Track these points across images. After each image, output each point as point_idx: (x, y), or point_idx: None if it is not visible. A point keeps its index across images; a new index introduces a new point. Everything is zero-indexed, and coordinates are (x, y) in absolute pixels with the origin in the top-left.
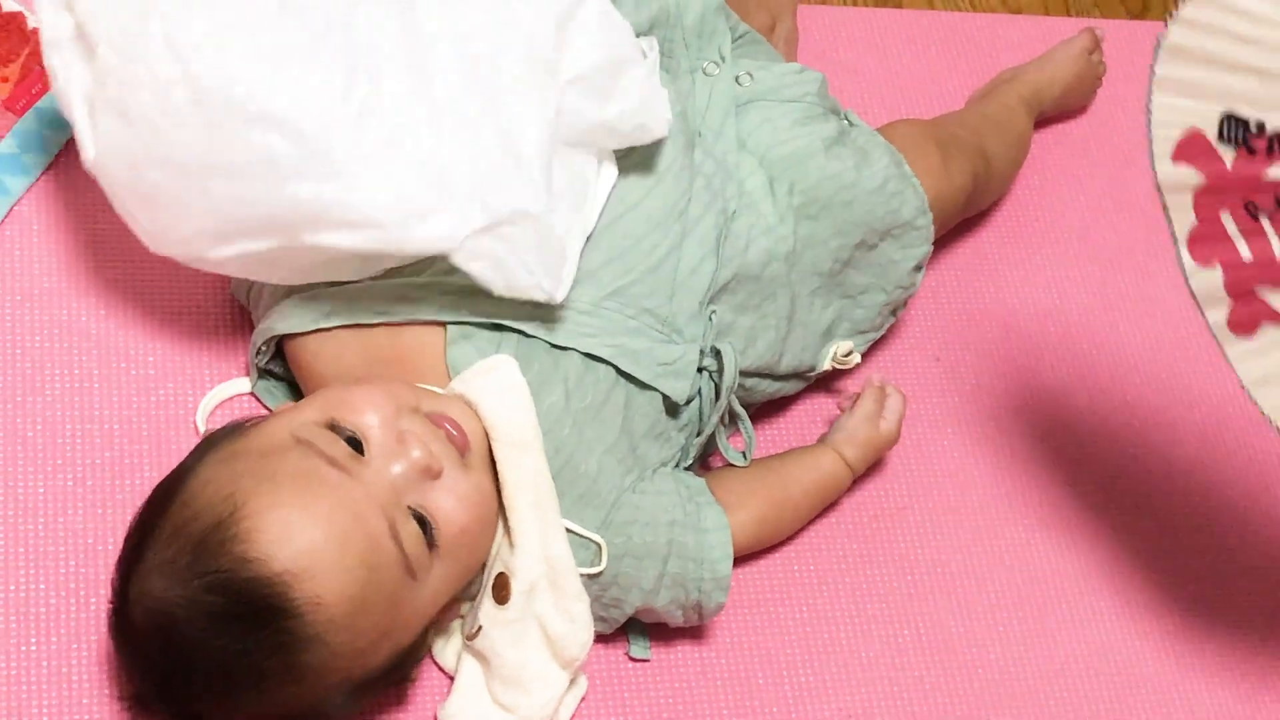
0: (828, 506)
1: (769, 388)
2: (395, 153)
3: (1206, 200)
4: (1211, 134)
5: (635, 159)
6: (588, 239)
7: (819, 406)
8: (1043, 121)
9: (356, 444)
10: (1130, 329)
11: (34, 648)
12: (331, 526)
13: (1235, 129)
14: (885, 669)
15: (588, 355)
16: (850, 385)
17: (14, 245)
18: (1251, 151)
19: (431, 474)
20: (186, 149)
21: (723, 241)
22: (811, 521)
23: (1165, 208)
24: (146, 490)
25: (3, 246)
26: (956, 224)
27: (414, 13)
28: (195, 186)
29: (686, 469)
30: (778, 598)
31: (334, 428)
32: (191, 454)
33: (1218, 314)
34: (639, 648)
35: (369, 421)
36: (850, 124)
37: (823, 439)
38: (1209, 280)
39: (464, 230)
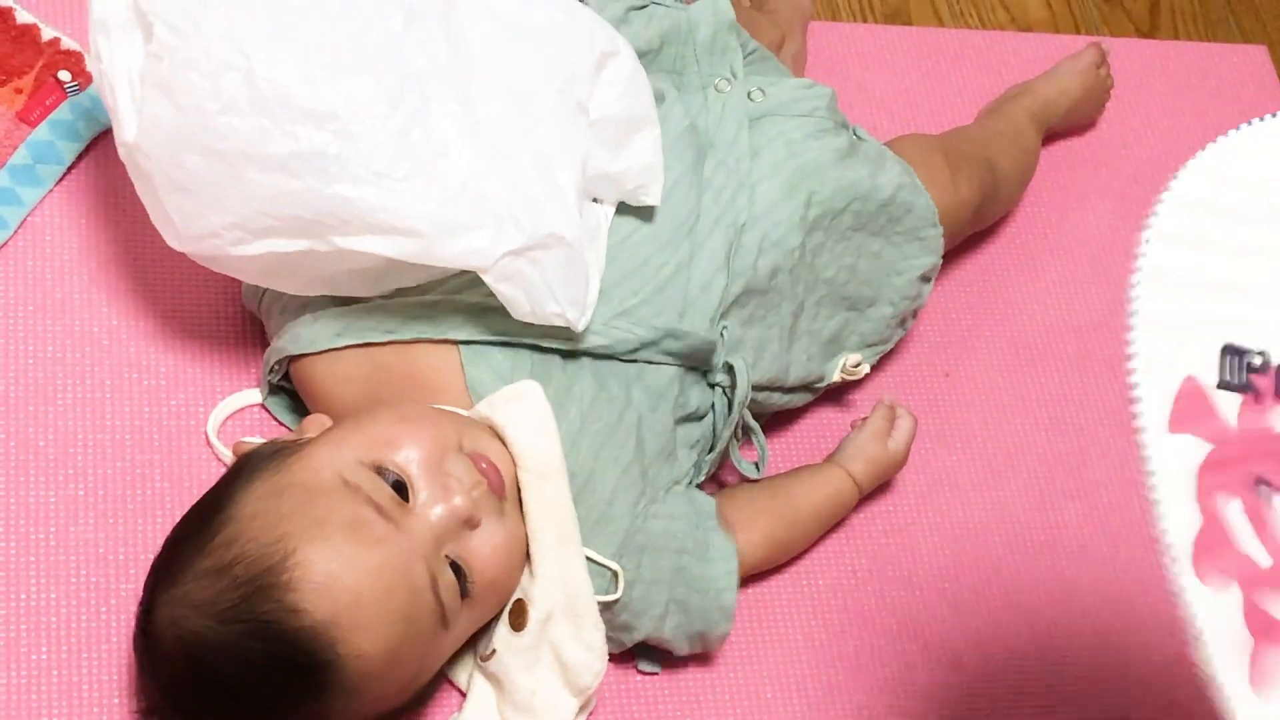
0: (835, 523)
1: (779, 400)
2: (438, 166)
3: (1210, 482)
4: (1210, 380)
5: None
6: None
7: (829, 419)
8: (1051, 137)
9: (401, 486)
10: None
11: (45, 657)
12: (379, 581)
13: (1236, 366)
14: (893, 684)
15: (598, 372)
16: (860, 401)
17: (27, 256)
18: (1257, 395)
19: (472, 525)
20: (231, 136)
21: (733, 255)
22: (819, 538)
23: (1158, 509)
24: (158, 500)
25: (16, 257)
26: (965, 239)
27: (463, 39)
28: (234, 175)
29: (699, 486)
30: (786, 612)
31: (379, 470)
32: (231, 476)
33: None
34: (647, 663)
35: (414, 467)
36: (859, 139)
37: (830, 457)
38: (1222, 608)
39: (501, 249)
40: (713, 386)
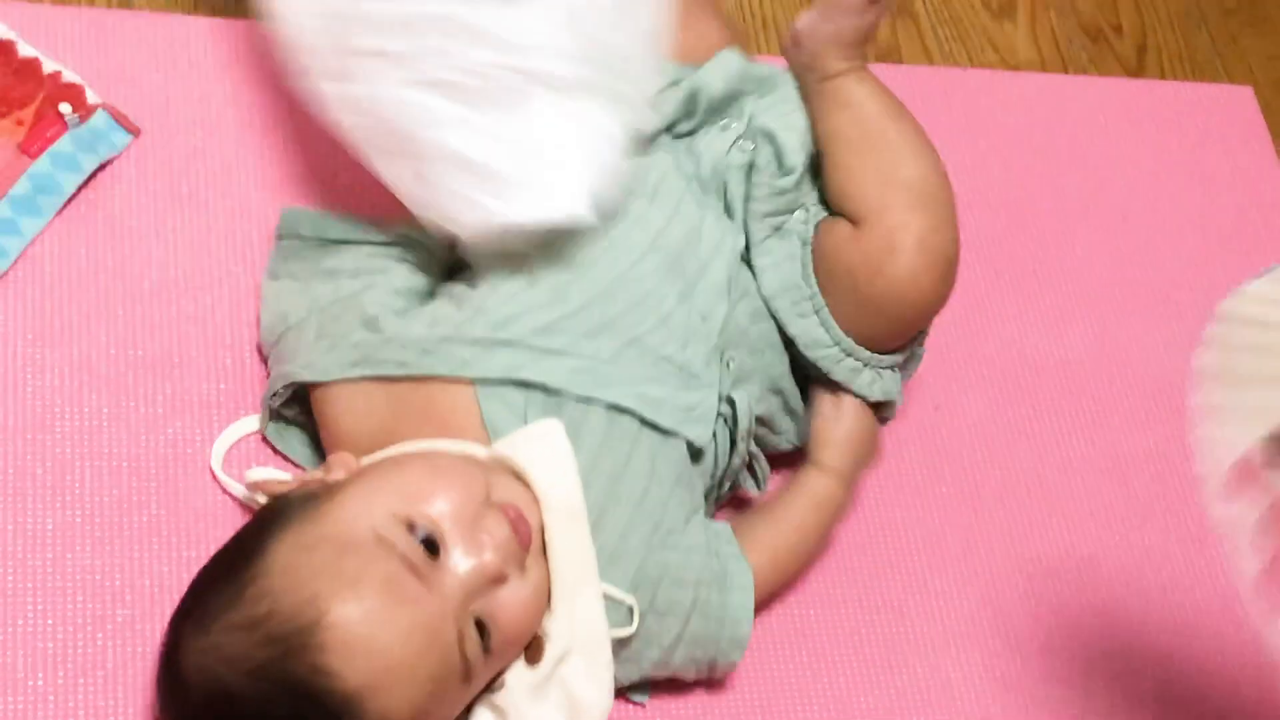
0: (836, 522)
1: (777, 440)
2: None
3: (1269, 536)
4: (1259, 460)
5: (643, 202)
6: (602, 291)
7: None
8: (1041, 180)
9: (432, 541)
10: (1127, 382)
11: (40, 683)
12: (411, 644)
13: None
14: (883, 715)
15: (611, 407)
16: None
17: (26, 285)
18: None
19: (500, 581)
20: None
21: (733, 284)
22: (815, 564)
23: (1230, 552)
24: (154, 527)
25: (15, 286)
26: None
27: None
28: None
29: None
30: (778, 643)
31: (412, 526)
32: (263, 520)
33: None
34: (638, 693)
35: (446, 522)
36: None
37: (811, 467)
38: None
39: None
40: (717, 417)
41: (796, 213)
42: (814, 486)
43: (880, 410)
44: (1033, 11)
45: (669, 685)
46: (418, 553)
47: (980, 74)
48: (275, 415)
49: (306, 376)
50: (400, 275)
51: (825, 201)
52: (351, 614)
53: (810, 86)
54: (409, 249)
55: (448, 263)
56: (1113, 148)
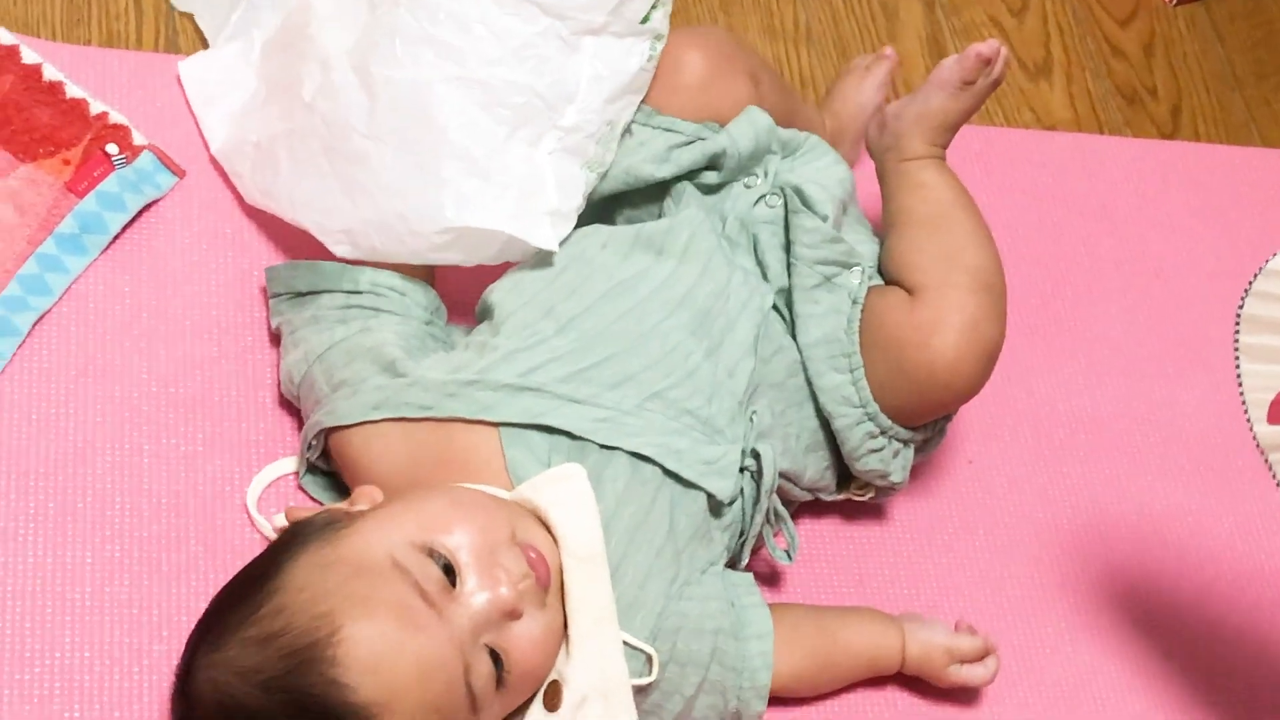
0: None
1: (800, 493)
2: None
3: None
4: None
5: (673, 261)
6: (628, 346)
7: (861, 508)
8: (1075, 238)
9: (449, 570)
10: (1159, 439)
11: (77, 715)
12: (418, 668)
13: None
14: None
15: (634, 455)
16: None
17: (70, 322)
18: None
19: (514, 616)
20: None
21: (760, 341)
22: (848, 687)
23: (1269, 465)
24: (192, 563)
25: (60, 323)
26: None
27: None
28: None
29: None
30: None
31: (429, 553)
32: (281, 544)
33: None
34: None
35: (464, 553)
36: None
37: (898, 619)
38: None
39: None
40: (742, 471)
41: (854, 269)
42: (889, 650)
43: (882, 491)
44: (1069, 73)
45: None
46: (432, 580)
47: (1016, 133)
48: (312, 467)
49: (330, 422)
50: (391, 321)
51: (881, 272)
52: (363, 631)
53: (888, 166)
54: (387, 297)
55: (428, 310)
56: (1147, 207)
